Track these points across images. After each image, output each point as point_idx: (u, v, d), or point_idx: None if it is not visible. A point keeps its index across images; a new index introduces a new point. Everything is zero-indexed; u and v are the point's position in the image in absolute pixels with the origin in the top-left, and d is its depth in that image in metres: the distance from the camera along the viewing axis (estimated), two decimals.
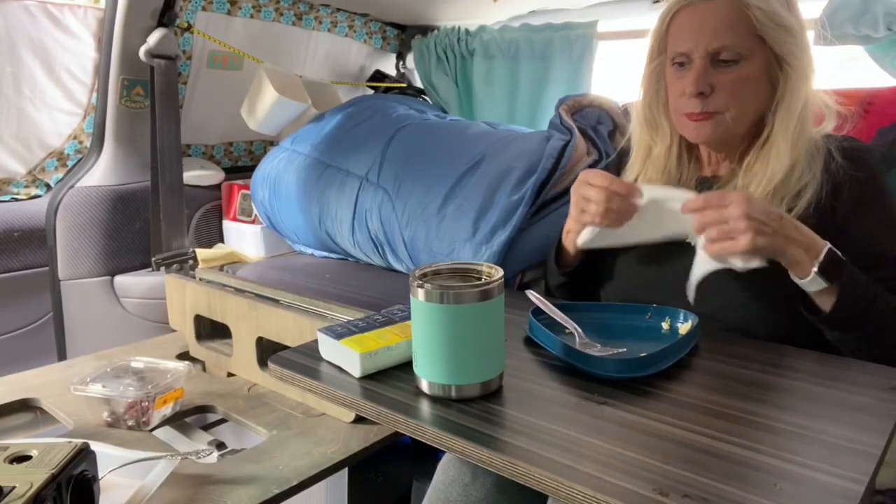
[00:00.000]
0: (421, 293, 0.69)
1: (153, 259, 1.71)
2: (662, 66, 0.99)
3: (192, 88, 1.88)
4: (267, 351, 1.22)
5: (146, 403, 1.08)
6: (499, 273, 0.71)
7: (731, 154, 0.99)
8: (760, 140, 0.94)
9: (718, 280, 0.92)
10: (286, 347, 1.04)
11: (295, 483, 0.93)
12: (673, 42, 0.95)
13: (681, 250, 0.94)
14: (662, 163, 1.02)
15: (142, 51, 1.65)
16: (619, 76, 2.00)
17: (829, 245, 0.82)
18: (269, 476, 0.94)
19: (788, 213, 0.89)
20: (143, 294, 1.74)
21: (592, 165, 1.39)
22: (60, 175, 1.77)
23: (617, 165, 1.12)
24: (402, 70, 2.38)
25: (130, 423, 1.08)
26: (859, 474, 0.56)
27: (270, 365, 0.84)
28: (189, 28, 1.75)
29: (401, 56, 2.36)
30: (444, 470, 0.95)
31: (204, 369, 1.39)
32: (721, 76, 0.90)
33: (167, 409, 1.12)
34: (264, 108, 1.83)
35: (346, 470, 1.27)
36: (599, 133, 1.48)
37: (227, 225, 1.95)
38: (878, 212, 0.91)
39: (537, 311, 0.89)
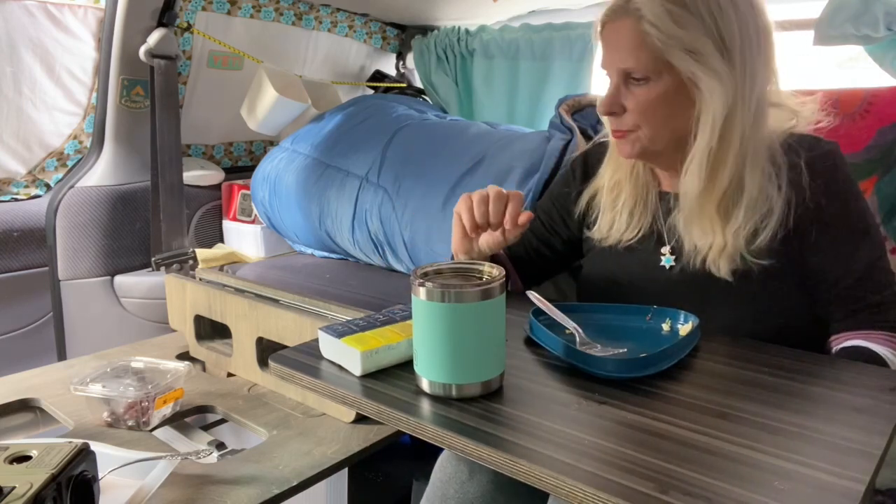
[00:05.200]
0: (422, 292, 0.69)
1: (153, 259, 1.71)
2: None
3: (192, 88, 1.88)
4: (267, 351, 1.22)
5: (146, 403, 1.08)
6: (500, 272, 0.71)
7: (672, 169, 0.96)
8: (687, 157, 0.91)
9: (708, 288, 0.92)
10: (286, 347, 1.04)
11: (295, 483, 0.93)
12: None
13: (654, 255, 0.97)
14: (630, 165, 1.00)
15: (142, 51, 1.65)
16: None
17: None
18: (269, 476, 0.94)
19: (754, 237, 0.88)
20: (143, 294, 1.74)
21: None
22: (60, 175, 1.77)
23: (583, 166, 1.10)
24: (402, 70, 2.38)
25: (130, 423, 1.08)
26: (860, 474, 0.56)
27: (271, 363, 0.84)
28: (189, 28, 1.75)
29: (401, 56, 2.36)
30: (442, 467, 0.95)
31: (204, 369, 1.39)
32: (631, 97, 0.89)
33: (167, 409, 1.12)
34: (264, 108, 1.83)
35: (346, 470, 1.27)
36: (599, 133, 1.48)
37: (227, 225, 1.95)
38: (835, 226, 0.89)
39: (538, 312, 0.89)
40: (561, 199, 1.12)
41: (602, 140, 1.07)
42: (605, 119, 0.95)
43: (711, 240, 0.90)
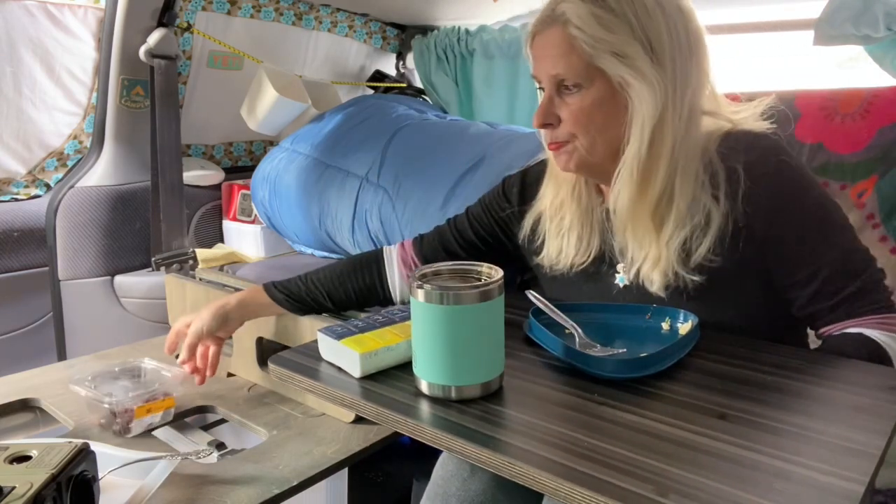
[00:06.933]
0: (421, 294, 0.69)
1: (153, 259, 1.71)
2: None
3: (192, 88, 1.88)
4: (267, 351, 1.22)
5: (128, 412, 1.05)
6: (499, 273, 0.71)
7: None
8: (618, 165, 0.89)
9: (680, 302, 0.90)
10: (286, 347, 1.04)
11: (295, 483, 0.93)
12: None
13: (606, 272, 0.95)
14: (571, 183, 0.97)
15: (142, 51, 1.65)
16: None
17: None
18: (269, 476, 0.94)
19: (695, 252, 0.85)
20: (143, 294, 1.74)
21: None
22: (60, 175, 1.77)
23: (520, 185, 1.06)
24: (402, 70, 2.38)
25: (116, 428, 1.06)
26: (859, 474, 0.56)
27: (270, 365, 0.84)
28: (189, 28, 1.75)
29: (401, 56, 2.36)
30: (443, 465, 0.95)
31: None
32: (565, 106, 0.87)
33: (155, 418, 1.09)
34: (264, 108, 1.83)
35: (346, 470, 1.27)
36: None
37: (227, 225, 1.95)
38: (795, 222, 0.85)
39: (537, 312, 0.89)
40: (493, 209, 1.09)
41: (542, 159, 1.04)
42: (541, 132, 0.93)
43: (646, 251, 0.88)
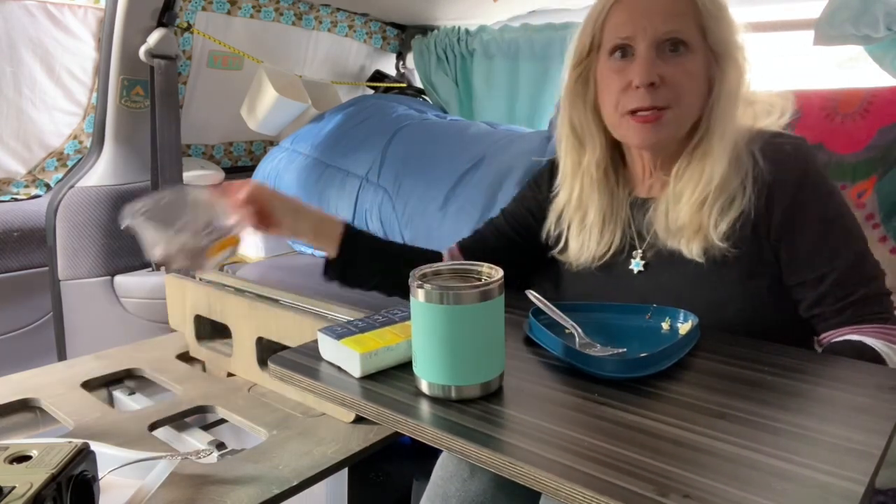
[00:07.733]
0: (421, 293, 0.69)
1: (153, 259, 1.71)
2: (588, 69, 0.93)
3: (192, 88, 1.88)
4: (267, 351, 1.22)
5: (206, 242, 0.98)
6: (499, 273, 0.71)
7: (666, 164, 0.93)
8: (693, 143, 0.89)
9: (673, 285, 0.91)
10: (286, 347, 1.04)
11: (295, 483, 0.93)
12: (613, 31, 0.88)
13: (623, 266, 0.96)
14: (594, 175, 0.96)
15: (142, 51, 1.65)
16: None
17: None
18: (269, 476, 0.94)
19: (715, 228, 0.86)
20: (144, 294, 1.74)
21: None
22: (60, 175, 1.77)
23: (549, 174, 1.07)
24: (402, 70, 2.38)
25: (184, 263, 0.99)
26: (860, 474, 0.56)
27: (270, 365, 0.84)
28: (189, 28, 1.75)
29: (401, 56, 2.36)
30: (443, 465, 0.95)
31: (204, 369, 1.39)
32: (669, 67, 0.84)
33: (225, 254, 1.03)
34: (264, 108, 1.84)
35: (346, 470, 1.27)
36: None
37: None
38: (813, 223, 0.86)
39: (537, 311, 0.89)
40: (526, 199, 1.10)
41: None
42: (627, 98, 0.87)
43: (687, 220, 0.88)
